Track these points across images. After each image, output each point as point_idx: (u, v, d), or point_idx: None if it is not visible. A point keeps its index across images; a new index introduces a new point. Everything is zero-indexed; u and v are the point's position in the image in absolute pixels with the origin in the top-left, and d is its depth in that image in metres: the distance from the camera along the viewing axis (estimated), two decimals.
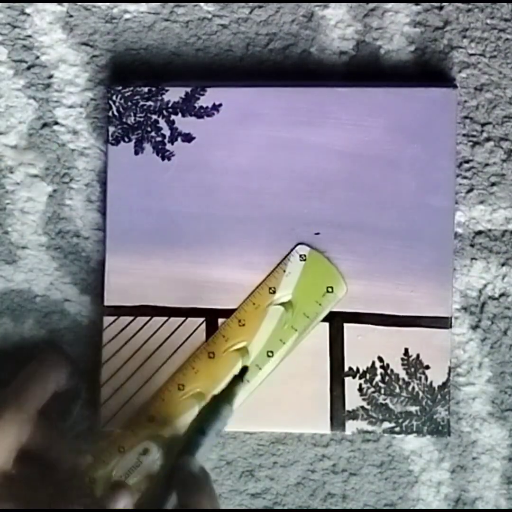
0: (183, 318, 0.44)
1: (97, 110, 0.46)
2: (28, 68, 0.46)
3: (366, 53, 0.45)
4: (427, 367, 0.44)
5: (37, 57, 0.46)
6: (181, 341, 0.44)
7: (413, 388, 0.44)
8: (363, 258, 0.44)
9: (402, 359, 0.44)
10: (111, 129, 0.44)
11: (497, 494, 0.46)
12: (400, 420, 0.44)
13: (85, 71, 0.46)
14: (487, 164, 0.45)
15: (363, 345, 0.44)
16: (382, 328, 0.44)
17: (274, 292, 0.44)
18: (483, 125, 0.45)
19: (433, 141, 0.43)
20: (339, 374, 0.44)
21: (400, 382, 0.44)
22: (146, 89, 0.44)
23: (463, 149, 0.45)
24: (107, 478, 0.42)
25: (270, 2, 0.45)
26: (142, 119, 0.44)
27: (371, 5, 0.45)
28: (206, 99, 0.44)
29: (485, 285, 0.45)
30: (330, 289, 0.44)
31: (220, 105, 0.44)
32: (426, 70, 0.45)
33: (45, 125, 0.46)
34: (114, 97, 0.44)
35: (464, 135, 0.45)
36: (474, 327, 0.45)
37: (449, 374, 0.44)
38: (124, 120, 0.44)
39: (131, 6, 0.45)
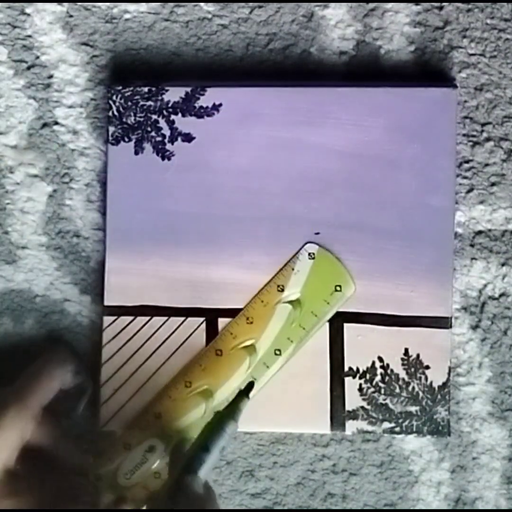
0: (183, 318, 0.44)
1: (97, 110, 0.46)
2: (28, 68, 0.46)
3: (366, 53, 0.45)
4: (427, 367, 0.44)
5: (37, 57, 0.46)
6: (181, 341, 0.44)
7: (413, 388, 0.44)
8: (363, 258, 0.44)
9: (402, 359, 0.44)
10: (111, 129, 0.44)
11: (497, 494, 0.46)
12: (400, 420, 0.44)
13: (85, 71, 0.46)
14: (487, 164, 0.45)
15: (363, 345, 0.44)
16: (382, 328, 0.44)
17: (282, 290, 0.44)
18: (483, 125, 0.45)
19: (433, 141, 0.43)
20: (339, 374, 0.44)
21: (400, 382, 0.44)
22: (146, 89, 0.44)
23: (463, 149, 0.45)
24: (113, 476, 0.42)
25: (270, 2, 0.45)
26: (142, 119, 0.44)
27: (371, 5, 0.45)
28: (206, 99, 0.44)
29: (485, 285, 0.45)
30: (338, 288, 0.44)
31: (220, 105, 0.44)
32: (426, 70, 0.45)
33: (45, 125, 0.46)
34: (114, 97, 0.44)
35: (464, 135, 0.45)
36: (474, 327, 0.45)
37: (449, 374, 0.44)
38: (124, 120, 0.44)
39: (131, 6, 0.45)
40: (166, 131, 0.44)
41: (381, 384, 0.44)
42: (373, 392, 0.44)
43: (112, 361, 0.44)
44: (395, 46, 0.45)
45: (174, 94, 0.44)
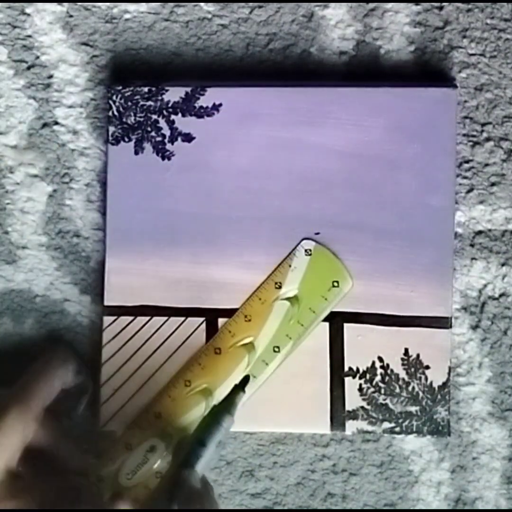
0: (183, 318, 0.44)
1: (97, 110, 0.46)
2: (28, 68, 0.46)
3: (366, 53, 0.45)
4: (427, 367, 0.44)
5: (37, 57, 0.46)
6: (181, 341, 0.44)
7: (413, 388, 0.44)
8: (363, 258, 0.44)
9: (402, 359, 0.44)
10: (111, 129, 0.44)
11: (497, 494, 0.46)
12: (400, 420, 0.44)
13: (85, 71, 0.46)
14: (487, 164, 0.45)
15: (363, 345, 0.44)
16: (382, 328, 0.44)
17: (280, 287, 0.44)
18: (483, 125, 0.45)
19: (433, 141, 0.43)
20: (339, 374, 0.44)
21: (400, 382, 0.44)
22: (146, 89, 0.44)
23: (463, 149, 0.45)
24: (114, 477, 0.42)
25: (270, 2, 0.45)
26: (142, 119, 0.44)
27: (371, 5, 0.45)
28: (206, 99, 0.44)
29: (485, 285, 0.45)
30: (336, 284, 0.44)
31: (220, 105, 0.44)
32: (426, 70, 0.45)
33: (45, 125, 0.46)
34: (114, 97, 0.44)
35: (464, 135, 0.45)
36: (474, 327, 0.45)
37: (449, 374, 0.44)
38: (124, 120, 0.44)
39: (131, 6, 0.45)
40: (166, 131, 0.44)
41: (381, 384, 0.44)
42: (373, 392, 0.44)
43: (112, 361, 0.44)
44: (395, 46, 0.45)
45: (174, 94, 0.44)
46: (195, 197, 0.44)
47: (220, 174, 0.44)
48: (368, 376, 0.44)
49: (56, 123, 0.46)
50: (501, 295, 0.45)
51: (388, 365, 0.44)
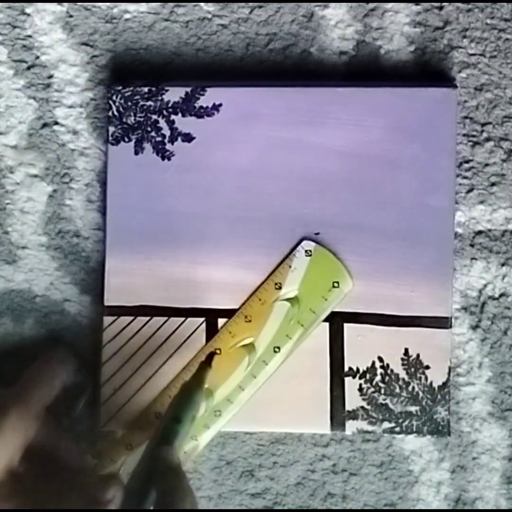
0: (183, 318, 0.44)
1: (97, 110, 0.46)
2: (28, 68, 0.46)
3: (366, 53, 0.45)
4: (427, 367, 0.44)
5: (37, 57, 0.46)
6: (181, 341, 0.44)
7: (413, 388, 0.44)
8: (363, 258, 0.44)
9: (402, 359, 0.44)
10: (111, 129, 0.44)
11: (497, 494, 0.46)
12: (400, 420, 0.44)
13: (85, 71, 0.46)
14: (487, 164, 0.45)
15: (363, 345, 0.44)
16: (382, 328, 0.44)
17: (280, 287, 0.44)
18: (483, 125, 0.45)
19: (433, 141, 0.43)
20: (339, 374, 0.44)
21: (400, 382, 0.44)
22: (146, 89, 0.44)
23: (463, 149, 0.45)
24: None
25: (270, 2, 0.45)
26: (142, 119, 0.44)
27: (371, 5, 0.45)
28: (206, 99, 0.44)
29: (485, 285, 0.45)
30: (336, 284, 0.44)
31: (220, 105, 0.44)
32: (426, 70, 0.45)
33: (45, 125, 0.46)
34: (114, 97, 0.44)
35: (464, 135, 0.45)
36: (474, 327, 0.45)
37: (449, 374, 0.44)
38: (124, 120, 0.44)
39: (131, 6, 0.45)
40: (166, 131, 0.44)
41: (381, 384, 0.44)
42: (373, 392, 0.44)
43: (112, 361, 0.44)
44: (395, 46, 0.45)
45: (174, 94, 0.44)
46: (195, 197, 0.44)
47: (220, 174, 0.44)
48: (368, 376, 0.44)
49: (56, 123, 0.46)
50: (501, 295, 0.45)
51: (388, 365, 0.44)
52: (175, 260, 0.44)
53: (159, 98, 0.44)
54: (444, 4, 0.45)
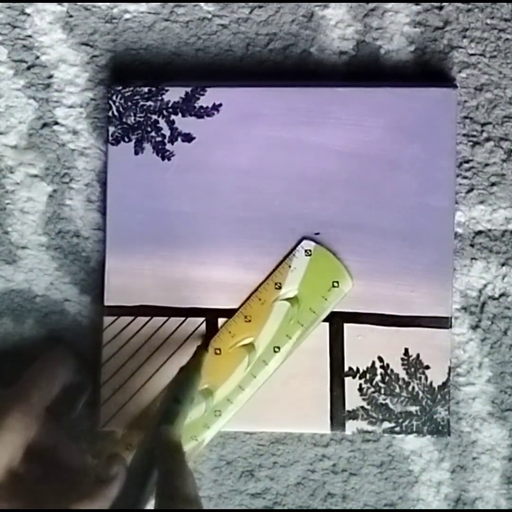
0: (183, 318, 0.44)
1: (97, 110, 0.46)
2: (28, 68, 0.46)
3: (366, 53, 0.45)
4: (427, 367, 0.44)
5: (37, 57, 0.46)
6: (181, 341, 0.44)
7: (413, 388, 0.44)
8: (363, 258, 0.44)
9: (402, 359, 0.44)
10: (111, 129, 0.44)
11: (497, 494, 0.46)
12: (400, 420, 0.44)
13: (85, 71, 0.46)
14: (487, 164, 0.45)
15: (363, 345, 0.44)
16: (382, 328, 0.44)
17: (280, 287, 0.44)
18: (483, 125, 0.45)
19: (433, 141, 0.43)
20: (339, 374, 0.44)
21: (400, 382, 0.44)
22: (146, 89, 0.44)
23: (463, 149, 0.45)
24: None
25: (270, 2, 0.45)
26: (142, 119, 0.44)
27: (371, 5, 0.45)
28: (206, 99, 0.44)
29: (485, 285, 0.45)
30: (336, 284, 0.44)
31: (220, 105, 0.44)
32: (426, 70, 0.45)
33: (45, 125, 0.46)
34: (114, 97, 0.44)
35: (464, 135, 0.45)
36: (474, 327, 0.45)
37: (449, 374, 0.44)
38: (124, 120, 0.44)
39: (131, 6, 0.45)
40: (166, 131, 0.44)
41: (381, 384, 0.44)
42: (373, 392, 0.44)
43: (112, 361, 0.44)
44: (395, 46, 0.45)
45: (174, 94, 0.44)
46: (195, 197, 0.44)
47: (220, 174, 0.44)
48: (368, 376, 0.44)
49: (56, 123, 0.46)
50: (501, 295, 0.45)
51: (388, 365, 0.44)
52: (175, 260, 0.44)
53: (159, 98, 0.44)
54: (444, 4, 0.45)
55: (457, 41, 0.45)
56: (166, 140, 0.44)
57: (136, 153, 0.44)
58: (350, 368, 0.44)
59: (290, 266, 0.44)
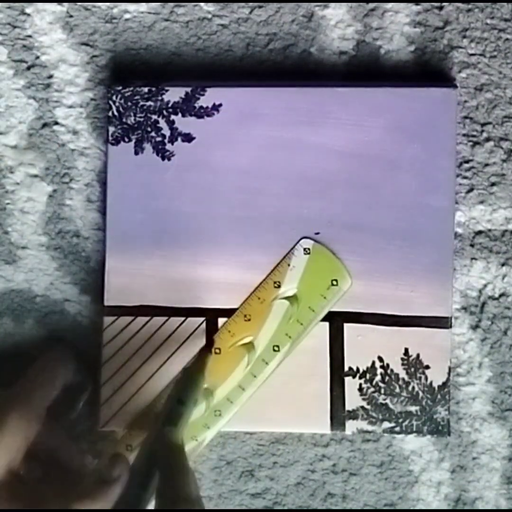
0: (183, 318, 0.44)
1: (97, 110, 0.46)
2: (28, 68, 0.46)
3: (366, 53, 0.45)
4: (427, 367, 0.44)
5: (37, 57, 0.46)
6: (181, 341, 0.44)
7: (413, 388, 0.44)
8: (363, 258, 0.44)
9: (402, 359, 0.44)
10: (111, 129, 0.44)
11: (497, 494, 0.46)
12: (400, 420, 0.44)
13: (85, 71, 0.46)
14: (487, 164, 0.45)
15: (363, 345, 0.44)
16: (382, 328, 0.44)
17: (279, 286, 0.44)
18: (483, 125, 0.45)
19: (433, 141, 0.43)
20: (339, 374, 0.44)
21: (400, 382, 0.44)
22: (146, 89, 0.44)
23: (463, 149, 0.45)
24: None
25: (270, 2, 0.45)
26: (142, 119, 0.44)
27: (371, 5, 0.45)
28: (206, 99, 0.44)
29: (485, 285, 0.45)
30: (334, 282, 0.44)
31: (220, 105, 0.44)
32: (426, 70, 0.45)
33: (45, 125, 0.46)
34: (114, 97, 0.44)
35: (464, 135, 0.45)
36: (474, 327, 0.45)
37: (449, 374, 0.44)
38: (124, 120, 0.44)
39: (131, 6, 0.45)
40: (166, 131, 0.44)
41: (381, 384, 0.44)
42: (373, 392, 0.44)
43: (112, 361, 0.44)
44: (395, 46, 0.45)
45: (174, 94, 0.44)
46: (195, 197, 0.44)
47: (220, 174, 0.44)
48: (368, 376, 0.44)
49: (56, 123, 0.46)
50: (501, 295, 0.45)
51: (388, 365, 0.44)
52: (175, 260, 0.44)
53: (159, 98, 0.44)
54: (444, 4, 0.45)
55: (457, 41, 0.45)
56: (166, 140, 0.44)
57: (136, 153, 0.44)
58: (350, 368, 0.44)
59: (289, 265, 0.44)
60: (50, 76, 0.46)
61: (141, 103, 0.44)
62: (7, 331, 0.46)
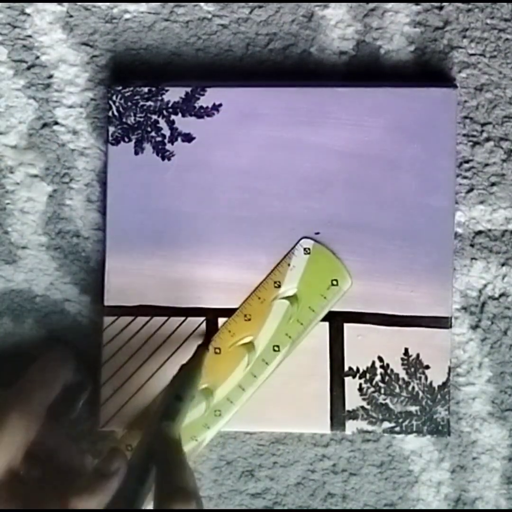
0: (183, 318, 0.44)
1: (97, 110, 0.46)
2: (28, 68, 0.46)
3: (366, 53, 0.45)
4: (427, 367, 0.44)
5: (37, 57, 0.46)
6: (181, 341, 0.44)
7: (413, 388, 0.44)
8: (363, 258, 0.44)
9: (402, 359, 0.44)
10: (111, 129, 0.44)
11: (497, 494, 0.46)
12: (400, 420, 0.44)
13: (85, 71, 0.46)
14: (487, 164, 0.45)
15: (363, 345, 0.44)
16: (382, 328, 0.44)
17: (279, 286, 0.44)
18: (483, 125, 0.45)
19: (433, 141, 0.43)
20: (339, 374, 0.44)
21: (400, 382, 0.44)
22: (146, 89, 0.44)
23: (463, 149, 0.45)
24: None
25: (270, 2, 0.45)
26: (142, 119, 0.44)
27: (371, 5, 0.45)
28: (206, 99, 0.44)
29: (485, 285, 0.45)
30: (335, 282, 0.44)
31: (220, 105, 0.44)
32: (426, 70, 0.45)
33: (45, 125, 0.46)
34: (114, 97, 0.44)
35: (464, 135, 0.45)
36: (474, 327, 0.45)
37: (449, 374, 0.44)
38: (124, 120, 0.44)
39: (131, 6, 0.45)
40: (166, 131, 0.44)
41: (381, 384, 0.44)
42: (373, 392, 0.44)
43: (112, 361, 0.44)
44: (395, 46, 0.45)
45: (174, 94, 0.44)
46: (195, 197, 0.44)
47: (220, 174, 0.44)
48: (368, 376, 0.44)
49: (56, 123, 0.46)
50: (501, 295, 0.45)
51: (388, 365, 0.44)
52: (175, 260, 0.44)
53: (159, 98, 0.44)
54: (444, 4, 0.45)
55: (457, 41, 0.45)
56: (166, 140, 0.44)
57: (136, 153, 0.44)
58: (350, 368, 0.44)
59: (289, 265, 0.44)
60: (50, 76, 0.46)
61: (141, 103, 0.44)
62: (7, 331, 0.46)
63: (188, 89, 0.44)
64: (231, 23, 0.45)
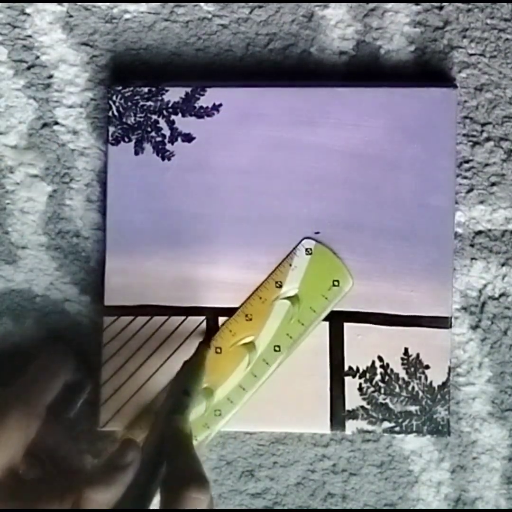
0: (183, 317, 0.44)
1: (97, 110, 0.46)
2: (28, 68, 0.46)
3: (366, 53, 0.45)
4: (427, 367, 0.44)
5: (37, 57, 0.46)
6: (181, 340, 0.44)
7: (413, 388, 0.44)
8: (363, 258, 0.44)
9: (402, 358, 0.44)
10: (111, 129, 0.45)
11: (497, 494, 0.46)
12: (400, 420, 0.44)
13: (85, 71, 0.46)
14: (487, 164, 0.45)
15: (363, 345, 0.44)
16: (382, 327, 0.44)
17: (280, 286, 0.44)
18: (483, 125, 0.45)
19: (433, 141, 0.43)
20: (339, 374, 0.44)
21: (400, 382, 0.44)
22: (146, 89, 0.44)
23: (463, 149, 0.45)
24: None
25: (270, 2, 0.45)
26: (142, 119, 0.44)
27: (371, 5, 0.45)
28: (206, 99, 0.44)
29: (485, 285, 0.45)
30: (336, 283, 0.44)
31: (220, 105, 0.44)
32: (426, 70, 0.45)
33: (45, 125, 0.46)
34: (114, 97, 0.44)
35: (464, 135, 0.45)
36: (474, 327, 0.45)
37: (449, 374, 0.44)
38: (124, 120, 0.44)
39: (131, 6, 0.45)
40: (166, 131, 0.44)
41: (381, 384, 0.44)
42: (373, 392, 0.44)
43: (112, 361, 0.44)
44: (395, 46, 0.45)
45: (174, 94, 0.44)
46: (195, 197, 0.44)
47: (220, 174, 0.44)
48: (368, 375, 0.44)
49: (56, 123, 0.46)
50: (501, 295, 0.45)
51: (388, 364, 0.44)
52: (175, 260, 0.44)
53: (159, 98, 0.44)
54: (444, 4, 0.45)
55: (457, 41, 0.45)
56: (166, 140, 0.44)
57: (136, 153, 0.44)
58: (350, 368, 0.44)
59: (290, 265, 0.44)
60: (50, 76, 0.46)
61: (141, 103, 0.44)
62: (7, 331, 0.46)
63: (188, 89, 0.44)
64: (231, 23, 0.45)
